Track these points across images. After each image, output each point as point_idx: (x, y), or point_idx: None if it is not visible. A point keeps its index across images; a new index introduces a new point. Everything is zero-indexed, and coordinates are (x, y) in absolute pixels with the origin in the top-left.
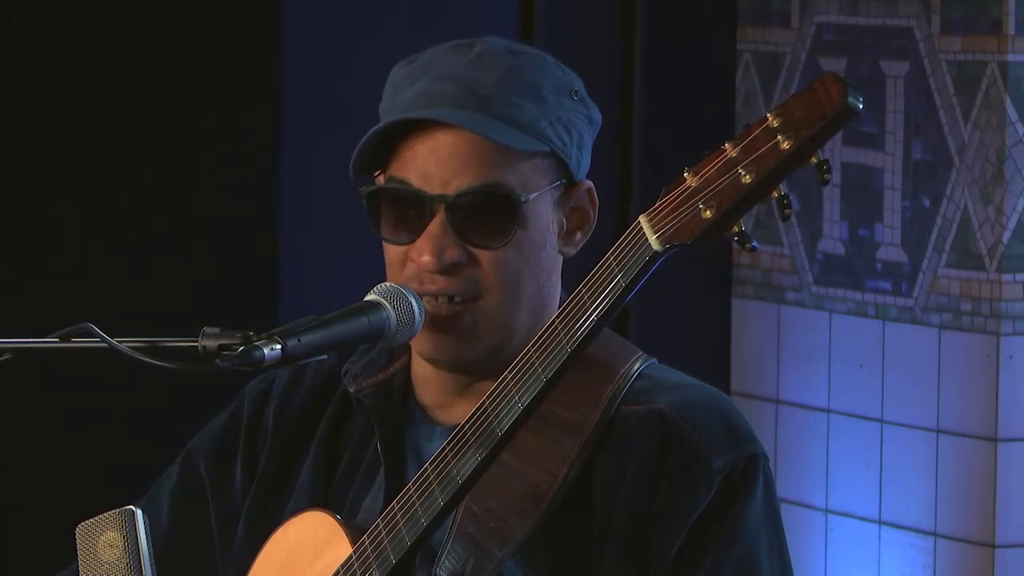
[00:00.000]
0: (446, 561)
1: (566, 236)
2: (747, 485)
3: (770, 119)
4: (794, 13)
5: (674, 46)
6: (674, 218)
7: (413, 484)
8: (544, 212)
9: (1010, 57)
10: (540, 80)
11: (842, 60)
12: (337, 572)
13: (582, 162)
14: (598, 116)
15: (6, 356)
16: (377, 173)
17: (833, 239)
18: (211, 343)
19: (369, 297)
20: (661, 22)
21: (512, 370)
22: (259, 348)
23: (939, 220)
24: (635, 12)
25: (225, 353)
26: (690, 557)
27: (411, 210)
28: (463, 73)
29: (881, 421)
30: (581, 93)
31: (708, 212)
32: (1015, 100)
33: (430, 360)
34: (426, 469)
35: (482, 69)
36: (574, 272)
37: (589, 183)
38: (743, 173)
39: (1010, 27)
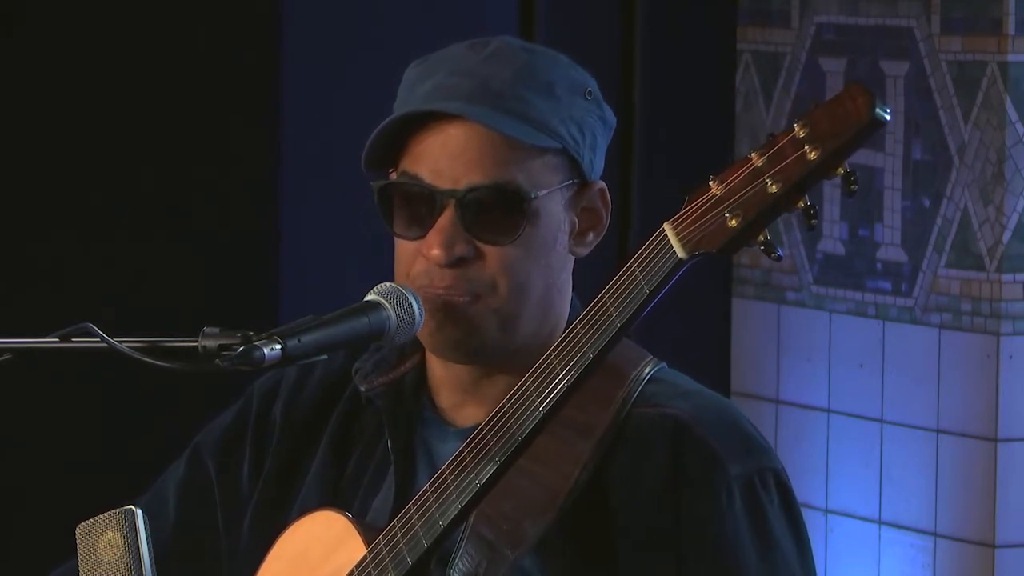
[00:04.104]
0: (459, 563)
1: (577, 236)
2: (769, 502)
3: (796, 129)
4: (794, 13)
5: (674, 46)
6: (699, 226)
7: (430, 487)
8: (555, 210)
9: (1010, 57)
10: (554, 79)
11: (842, 60)
12: (351, 572)
13: (595, 162)
14: (612, 118)
15: (6, 356)
16: (391, 172)
17: (833, 239)
18: (211, 343)
19: (369, 297)
20: (661, 22)
21: (532, 375)
22: (259, 348)
23: (939, 220)
24: (635, 12)
25: (225, 353)
26: (724, 571)
27: (422, 205)
28: (477, 69)
29: (881, 421)
30: (595, 94)
31: (734, 221)
32: (1015, 100)
33: (434, 350)
34: (443, 472)
35: (496, 66)
36: (581, 273)
37: (602, 184)
38: (769, 183)
39: (1010, 27)
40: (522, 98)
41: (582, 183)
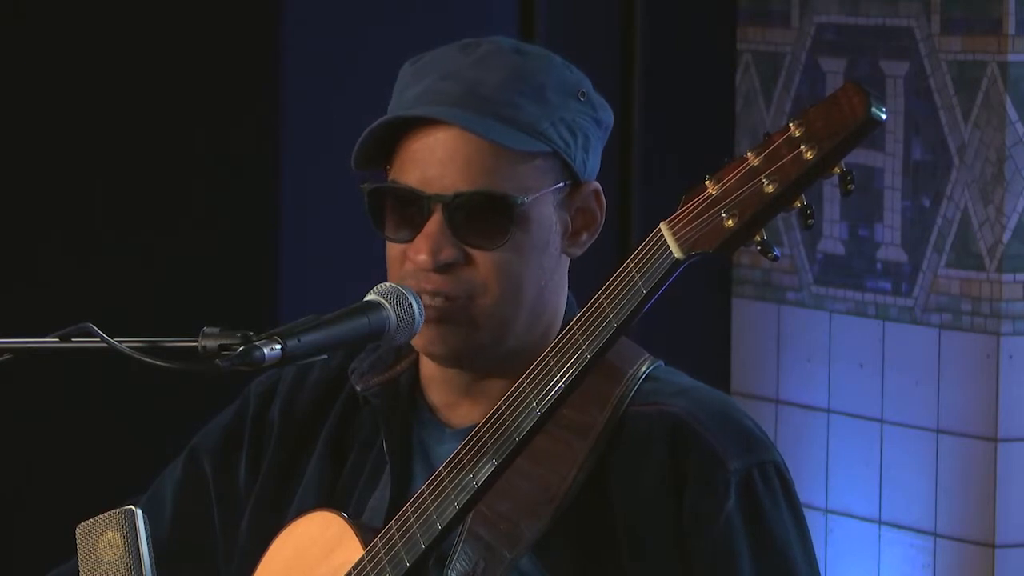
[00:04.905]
0: (457, 563)
1: (571, 237)
2: (770, 495)
3: (792, 128)
4: (794, 13)
5: (674, 46)
6: (696, 226)
7: (427, 487)
8: (546, 213)
9: (1010, 57)
10: (545, 81)
11: (842, 60)
12: (349, 574)
13: (588, 163)
14: (608, 117)
15: (6, 356)
16: (386, 167)
17: (833, 239)
18: (211, 343)
19: (369, 297)
20: (661, 22)
21: (529, 376)
22: (259, 348)
23: (939, 220)
24: (635, 12)
25: (225, 353)
26: (723, 568)
27: (410, 208)
28: (467, 73)
29: (881, 421)
30: (589, 94)
31: (731, 221)
32: (1015, 100)
33: (427, 353)
34: (440, 473)
35: (486, 69)
36: (575, 272)
37: (596, 184)
38: (766, 182)
39: (1010, 27)
40: (511, 102)
41: (575, 184)
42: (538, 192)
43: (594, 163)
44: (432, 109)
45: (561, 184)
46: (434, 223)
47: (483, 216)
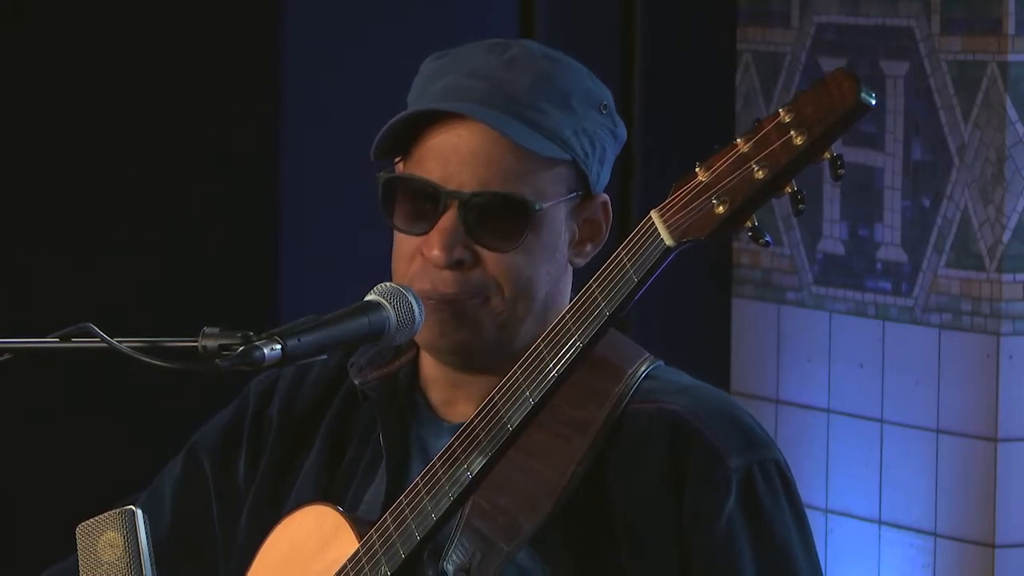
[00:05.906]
0: (453, 555)
1: (576, 246)
2: (770, 493)
3: (782, 114)
4: (794, 13)
5: (674, 46)
6: (687, 213)
7: (421, 479)
8: (558, 220)
9: (1010, 57)
10: (571, 89)
11: (842, 60)
12: (344, 566)
13: (601, 176)
14: (623, 133)
15: (6, 356)
16: (397, 160)
17: (833, 239)
18: (211, 343)
19: (369, 297)
20: (661, 22)
21: (522, 365)
22: (259, 348)
23: (939, 220)
24: (635, 12)
25: (225, 353)
26: (724, 567)
27: (426, 203)
28: (495, 72)
29: (881, 421)
30: (610, 108)
31: (721, 207)
32: (1015, 100)
33: (430, 349)
34: (435, 464)
35: (515, 71)
36: (580, 274)
37: (605, 197)
38: (756, 168)
39: (1010, 27)
40: (537, 106)
41: (586, 195)
42: (554, 199)
43: (606, 176)
44: (459, 105)
45: (574, 194)
46: (448, 219)
47: (498, 218)
